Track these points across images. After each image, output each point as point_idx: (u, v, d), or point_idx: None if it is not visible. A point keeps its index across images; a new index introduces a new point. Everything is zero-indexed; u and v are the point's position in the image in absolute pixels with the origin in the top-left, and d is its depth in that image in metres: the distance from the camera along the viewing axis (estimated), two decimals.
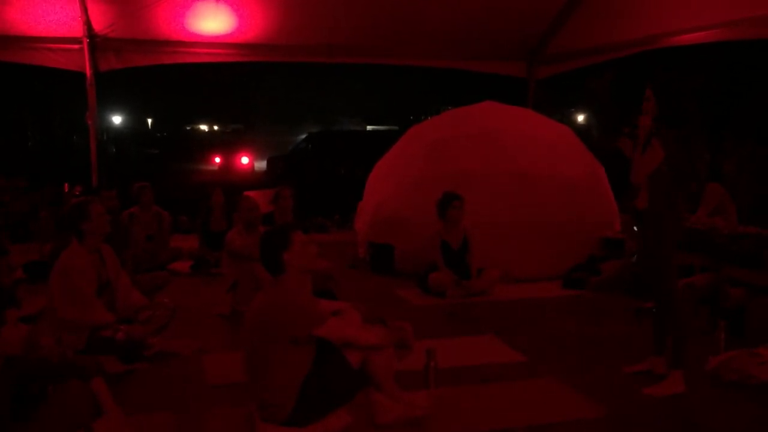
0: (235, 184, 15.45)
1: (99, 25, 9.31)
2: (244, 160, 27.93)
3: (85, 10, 9.07)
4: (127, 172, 18.15)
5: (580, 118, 28.30)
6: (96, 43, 9.46)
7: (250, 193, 7.46)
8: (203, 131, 54.07)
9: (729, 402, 4.11)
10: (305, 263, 3.52)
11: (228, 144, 33.34)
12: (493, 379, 4.49)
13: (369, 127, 43.42)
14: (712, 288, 5.67)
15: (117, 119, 42.56)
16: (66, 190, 10.43)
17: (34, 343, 3.54)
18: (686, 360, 4.28)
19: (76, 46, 9.45)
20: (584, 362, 4.84)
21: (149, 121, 50.84)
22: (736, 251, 5.70)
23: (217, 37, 9.89)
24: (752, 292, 5.38)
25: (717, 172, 7.93)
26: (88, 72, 9.58)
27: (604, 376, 4.53)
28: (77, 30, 9.28)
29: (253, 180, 21.23)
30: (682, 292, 5.55)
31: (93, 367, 3.42)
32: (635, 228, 7.01)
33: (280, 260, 3.45)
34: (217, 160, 28.56)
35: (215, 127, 55.60)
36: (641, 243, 4.53)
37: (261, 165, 27.46)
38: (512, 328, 5.74)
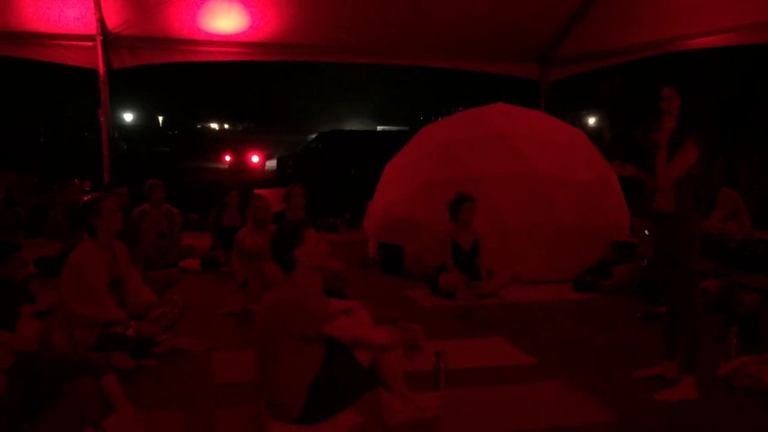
0: (245, 182, 15.49)
1: (113, 22, 9.34)
2: (255, 158, 28.01)
3: (98, 7, 9.09)
4: (138, 169, 18.24)
5: (592, 120, 28.25)
6: (109, 40, 9.48)
7: (261, 192, 7.47)
8: (214, 129, 54.30)
9: (741, 408, 4.08)
10: (316, 260, 3.51)
11: (238, 142, 33.40)
12: (503, 382, 4.47)
13: (379, 128, 43.46)
14: (725, 293, 5.63)
15: (128, 116, 42.81)
16: (76, 186, 10.48)
17: (46, 338, 3.55)
18: (698, 365, 4.25)
19: (90, 44, 9.47)
20: (595, 366, 4.82)
21: (160, 118, 51.10)
22: (750, 256, 5.65)
23: (229, 35, 9.91)
24: (765, 298, 5.34)
25: (731, 177, 7.88)
26: (101, 69, 9.61)
27: (615, 381, 4.50)
28: (91, 27, 9.30)
29: (263, 178, 21.28)
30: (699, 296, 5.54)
31: (104, 363, 3.42)
32: (646, 232, 6.99)
33: (291, 256, 3.45)
34: (228, 158, 28.64)
35: (226, 126, 55.86)
36: (658, 246, 4.44)
37: (271, 164, 27.55)
38: (522, 330, 5.73)
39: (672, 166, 4.14)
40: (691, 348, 4.25)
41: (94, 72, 9.72)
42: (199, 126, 53.07)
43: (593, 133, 19.32)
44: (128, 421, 3.31)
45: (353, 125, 43.00)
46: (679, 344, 4.38)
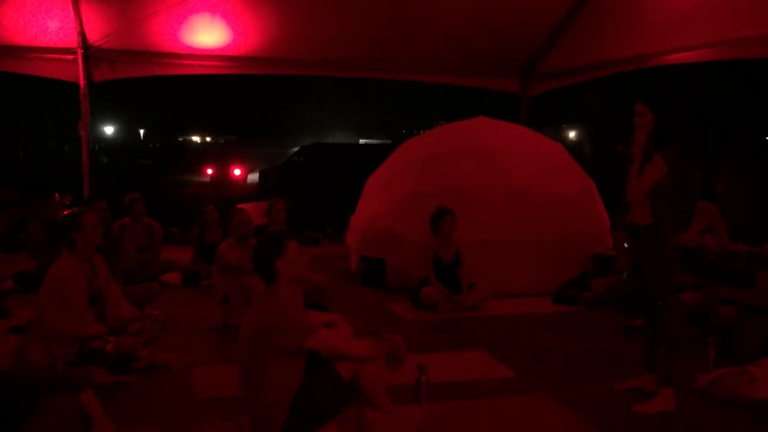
0: (227, 196, 15.44)
1: (93, 35, 9.31)
2: (237, 171, 27.96)
3: (79, 20, 9.07)
4: (118, 183, 18.13)
5: (572, 134, 28.48)
6: (90, 53, 9.45)
7: (243, 206, 7.45)
8: (196, 143, 54.09)
9: (719, 420, 4.11)
10: (297, 272, 3.52)
11: (220, 156, 33.32)
12: (485, 395, 4.48)
13: (361, 141, 43.52)
14: (703, 306, 5.68)
15: (109, 130, 42.55)
16: (56, 200, 10.39)
17: (24, 354, 3.51)
18: (676, 377, 4.29)
19: (70, 57, 9.44)
20: (575, 379, 4.84)
21: (142, 132, 50.84)
22: (727, 269, 5.72)
23: (211, 49, 9.92)
24: (742, 311, 5.40)
25: (709, 191, 7.98)
26: (82, 82, 9.57)
27: (594, 393, 4.53)
28: (72, 40, 9.28)
29: (245, 192, 21.22)
30: (675, 308, 5.62)
31: (83, 379, 3.40)
32: (626, 245, 7.06)
33: (273, 268, 3.45)
34: (209, 171, 28.55)
35: (208, 139, 55.66)
36: (634, 258, 4.53)
37: (253, 177, 27.50)
38: (503, 343, 5.74)
39: (640, 180, 4.28)
40: (668, 360, 4.30)
41: (74, 85, 9.68)
42: (180, 139, 52.86)
43: (574, 147, 19.48)
44: None
45: (336, 138, 42.96)
46: (657, 356, 4.43)
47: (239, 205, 7.60)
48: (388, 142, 31.22)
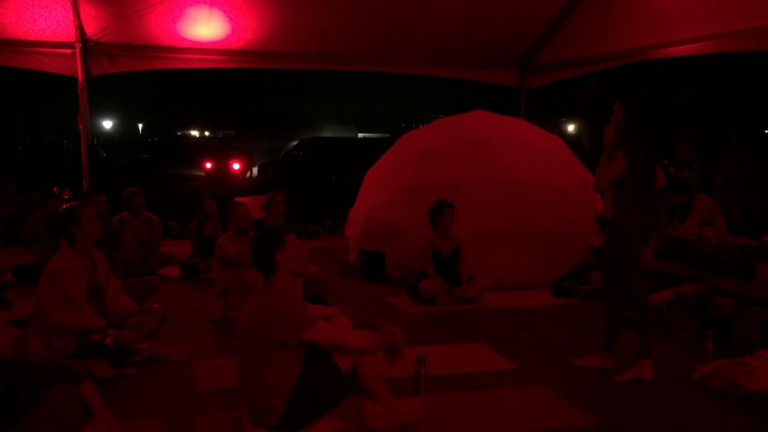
0: (226, 190, 15.45)
1: (92, 29, 9.28)
2: (236, 166, 27.96)
3: (77, 14, 9.04)
4: (117, 176, 18.12)
5: (571, 127, 28.48)
6: (88, 47, 9.42)
7: (242, 199, 7.46)
8: (194, 137, 54.08)
9: (716, 411, 4.13)
10: (296, 265, 3.52)
11: (219, 150, 33.30)
12: (484, 387, 4.50)
13: (360, 135, 43.55)
14: (701, 298, 5.70)
15: (108, 124, 42.57)
16: (56, 194, 10.39)
17: (24, 346, 3.51)
18: (651, 350, 4.62)
19: (69, 51, 9.42)
20: (574, 370, 4.86)
21: (140, 126, 50.86)
22: (725, 261, 5.73)
23: (209, 43, 9.90)
24: (740, 302, 5.41)
25: (707, 183, 8.00)
26: (80, 77, 9.55)
27: (593, 384, 4.55)
28: (70, 35, 9.25)
29: (244, 186, 21.23)
30: (672, 298, 5.71)
31: (82, 371, 3.40)
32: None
33: (272, 261, 3.46)
34: (208, 165, 28.53)
35: (206, 133, 55.65)
36: (603, 250, 4.92)
37: (252, 171, 27.49)
38: (502, 335, 5.76)
39: (601, 173, 4.56)
40: (644, 335, 4.60)
41: (72, 79, 9.66)
42: (179, 133, 52.86)
43: (572, 140, 19.45)
44: (107, 429, 3.30)
45: (334, 132, 43.00)
46: (620, 336, 4.84)
47: (238, 198, 7.60)
48: (387, 135, 31.25)
